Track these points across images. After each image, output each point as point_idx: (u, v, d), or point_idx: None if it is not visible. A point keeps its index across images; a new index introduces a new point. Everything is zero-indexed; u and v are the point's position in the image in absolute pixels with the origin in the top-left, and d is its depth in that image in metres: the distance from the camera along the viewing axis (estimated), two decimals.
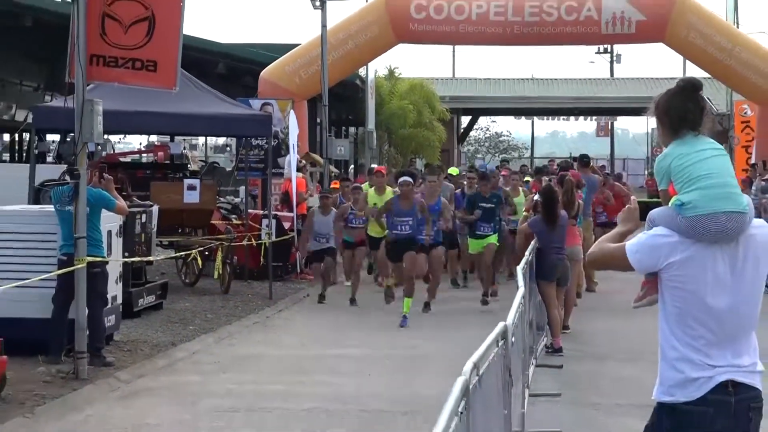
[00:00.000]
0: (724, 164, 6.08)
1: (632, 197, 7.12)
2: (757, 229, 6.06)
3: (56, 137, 40.97)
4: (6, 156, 55.67)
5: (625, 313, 19.02)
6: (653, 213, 6.16)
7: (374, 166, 36.02)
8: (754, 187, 27.01)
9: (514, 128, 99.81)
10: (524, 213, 21.21)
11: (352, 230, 24.11)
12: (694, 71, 43.57)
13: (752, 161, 35.27)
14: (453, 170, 31.77)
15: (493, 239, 24.12)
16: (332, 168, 36.28)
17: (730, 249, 5.96)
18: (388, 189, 23.80)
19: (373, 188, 24.79)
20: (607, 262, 6.34)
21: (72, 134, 15.55)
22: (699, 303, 5.93)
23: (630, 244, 6.07)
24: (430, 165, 33.60)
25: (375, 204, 23.30)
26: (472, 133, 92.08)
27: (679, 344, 5.97)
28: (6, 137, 58.07)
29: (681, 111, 6.13)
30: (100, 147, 17.20)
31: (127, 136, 57.88)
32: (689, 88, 6.19)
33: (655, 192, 52.84)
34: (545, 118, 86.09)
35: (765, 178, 28.37)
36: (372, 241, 23.84)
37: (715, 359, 5.94)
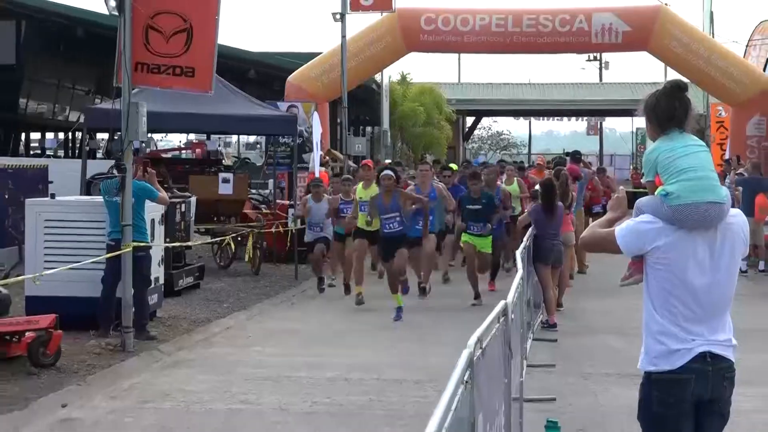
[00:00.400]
0: (706, 159, 6.11)
1: (620, 187, 7.14)
2: (734, 218, 6.09)
3: (105, 136, 41.09)
4: (61, 152, 55.79)
5: (613, 293, 18.92)
6: (640, 201, 6.19)
7: (388, 161, 35.88)
8: (728, 181, 26.93)
9: (513, 128, 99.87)
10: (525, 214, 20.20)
11: (343, 221, 21.08)
12: (675, 76, 43.44)
13: (726, 157, 35.18)
14: (453, 166, 30.73)
15: (486, 245, 20.52)
16: (351, 163, 36.23)
17: (709, 235, 5.99)
18: (374, 185, 20.10)
19: (361, 183, 21.36)
20: (598, 244, 6.36)
21: (119, 133, 15.54)
22: (680, 283, 5.97)
23: (619, 229, 6.11)
24: (423, 159, 31.74)
25: (360, 198, 20.24)
26: (476, 132, 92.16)
27: (662, 319, 6.00)
28: (61, 136, 58.18)
29: (668, 110, 6.15)
30: (144, 144, 17.25)
31: (168, 134, 58.00)
32: (676, 89, 6.22)
33: (638, 184, 52.71)
34: (541, 118, 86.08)
35: (738, 171, 28.31)
36: (358, 233, 19.96)
37: (694, 333, 5.99)
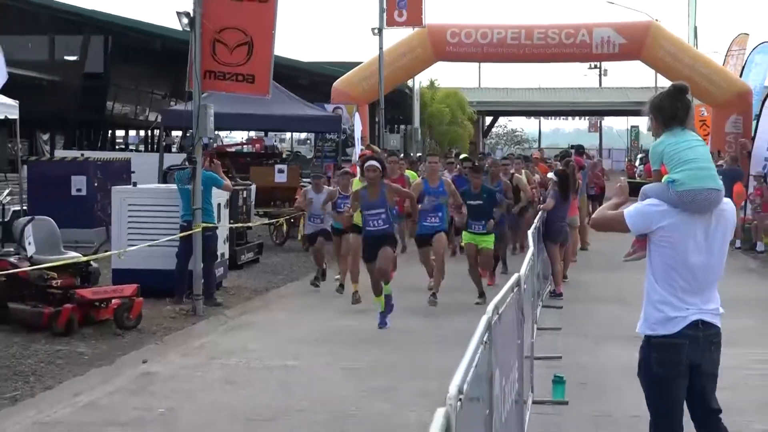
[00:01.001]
0: (705, 152, 6.12)
1: (622, 177, 7.22)
2: (726, 206, 6.10)
3: (179, 133, 41.18)
4: (141, 147, 56.08)
5: (611, 267, 18.90)
6: (646, 188, 6.17)
7: (417, 154, 35.47)
8: None
9: (525, 126, 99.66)
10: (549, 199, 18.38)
11: (341, 216, 16.56)
12: (664, 82, 43.17)
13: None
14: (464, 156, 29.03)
15: (488, 242, 16.89)
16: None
17: (705, 219, 5.98)
18: None
19: (358, 177, 16.83)
20: (608, 224, 6.32)
21: (191, 131, 15.59)
22: (680, 260, 5.96)
23: (628, 211, 6.09)
24: (449, 152, 27.35)
25: None
26: (494, 130, 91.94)
27: (663, 290, 5.99)
28: (141, 133, 58.44)
29: (672, 109, 6.13)
30: (211, 140, 17.26)
31: (232, 131, 58.05)
32: (678, 92, 6.20)
33: (632, 174, 52.37)
34: (549, 117, 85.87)
35: (718, 164, 28.07)
36: (355, 229, 16.34)
37: (689, 303, 5.98)
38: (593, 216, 6.52)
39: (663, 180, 6.05)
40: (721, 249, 6.08)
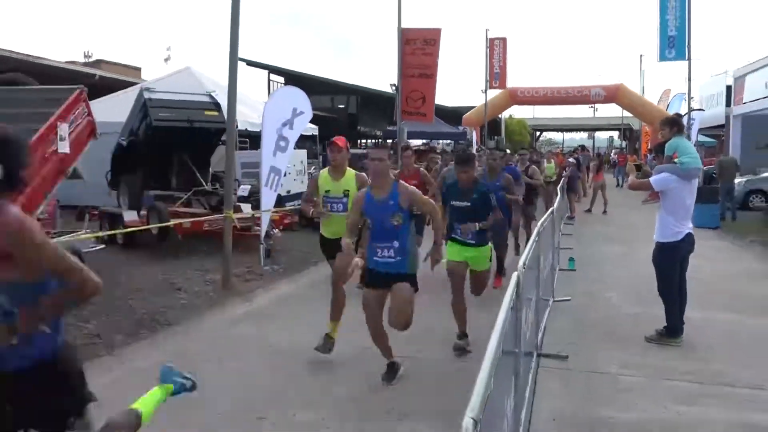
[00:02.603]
0: (694, 149, 5.90)
1: (629, 162, 6.89)
2: None
3: (390, 140, 41.26)
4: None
5: (613, 208, 17.79)
6: (661, 167, 5.83)
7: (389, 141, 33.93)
8: (649, 157, 24.79)
9: (555, 136, 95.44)
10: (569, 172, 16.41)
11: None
12: (628, 114, 40.64)
13: (649, 148, 32.85)
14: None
15: (482, 261, 4.85)
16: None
17: (692, 182, 5.75)
18: (350, 172, 4.55)
19: (327, 169, 4.57)
20: (640, 187, 5.90)
21: (396, 139, 15.60)
22: (681, 203, 5.69)
23: (653, 179, 5.74)
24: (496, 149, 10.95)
25: (327, 191, 4.55)
26: (540, 139, 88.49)
27: (672, 218, 5.69)
28: (372, 141, 58.85)
29: (681, 124, 5.93)
30: (404, 144, 17.26)
31: (415, 139, 57.86)
32: (680, 116, 6.15)
33: (607, 160, 49.13)
34: (567, 131, 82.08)
35: (650, 155, 26.05)
36: (326, 246, 4.64)
37: (685, 225, 5.73)
38: (629, 183, 6.08)
39: (675, 161, 5.74)
40: (695, 196, 5.83)
